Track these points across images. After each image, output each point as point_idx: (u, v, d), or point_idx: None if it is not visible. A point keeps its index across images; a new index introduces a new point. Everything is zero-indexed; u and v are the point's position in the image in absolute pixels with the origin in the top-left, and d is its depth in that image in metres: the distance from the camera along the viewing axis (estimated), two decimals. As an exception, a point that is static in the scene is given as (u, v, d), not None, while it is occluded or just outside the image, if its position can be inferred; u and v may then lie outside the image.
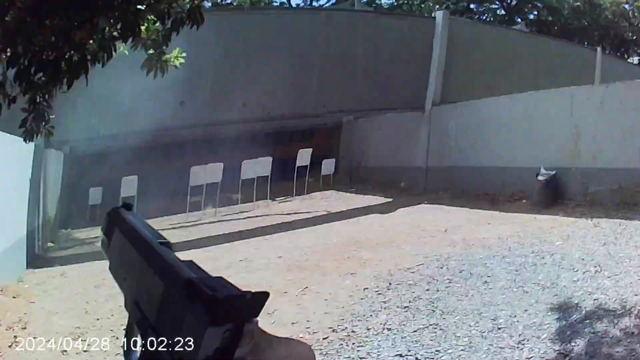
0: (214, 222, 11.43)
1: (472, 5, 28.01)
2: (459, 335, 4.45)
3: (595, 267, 5.45)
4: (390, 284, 5.71)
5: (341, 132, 17.04)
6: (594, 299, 4.93)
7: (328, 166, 15.09)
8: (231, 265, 7.04)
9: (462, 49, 12.06)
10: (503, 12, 27.86)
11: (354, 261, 6.73)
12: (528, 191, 9.34)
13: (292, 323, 4.88)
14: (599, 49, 17.83)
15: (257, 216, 11.59)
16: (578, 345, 4.23)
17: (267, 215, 11.62)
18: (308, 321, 4.89)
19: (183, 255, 0.54)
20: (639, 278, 5.17)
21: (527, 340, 4.43)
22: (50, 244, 9.49)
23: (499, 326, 4.62)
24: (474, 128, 11.14)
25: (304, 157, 14.06)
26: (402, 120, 13.36)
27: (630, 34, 29.08)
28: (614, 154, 8.29)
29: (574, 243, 6.30)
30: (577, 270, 5.48)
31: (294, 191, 13.99)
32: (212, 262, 7.01)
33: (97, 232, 10.66)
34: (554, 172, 9.00)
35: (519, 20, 25.85)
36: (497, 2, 27.83)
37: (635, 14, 28.77)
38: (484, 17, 28.00)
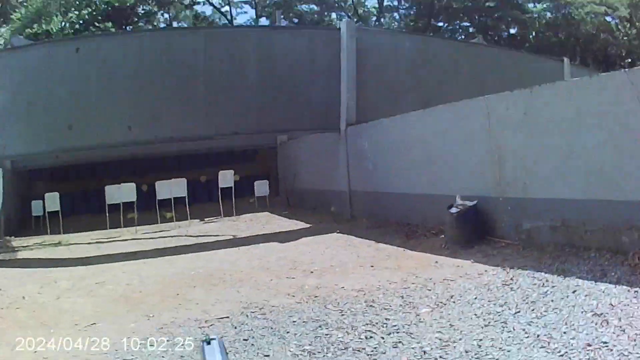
0: (127, 239, 11.30)
1: (440, 24, 26.89)
2: None
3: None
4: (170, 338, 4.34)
5: (277, 153, 16.14)
6: None
7: (261, 187, 14.79)
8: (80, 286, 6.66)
9: (379, 61, 10.64)
10: (473, 29, 26.67)
11: (173, 301, 5.56)
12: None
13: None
14: (566, 59, 16.29)
15: (170, 236, 11.08)
16: None
17: (180, 236, 11.09)
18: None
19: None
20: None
21: None
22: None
23: None
24: (388, 150, 9.61)
25: (226, 178, 13.63)
26: (322, 141, 11.96)
27: (614, 48, 27.50)
28: (550, 181, 6.22)
29: (445, 315, 4.40)
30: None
31: (221, 212, 13.62)
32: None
33: (36, 239, 11.99)
34: (473, 202, 7.25)
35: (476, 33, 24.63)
36: (468, 21, 26.65)
37: (619, 27, 27.27)
38: (457, 36, 26.82)
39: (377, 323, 4.24)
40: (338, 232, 9.21)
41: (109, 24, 21.26)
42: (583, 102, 5.72)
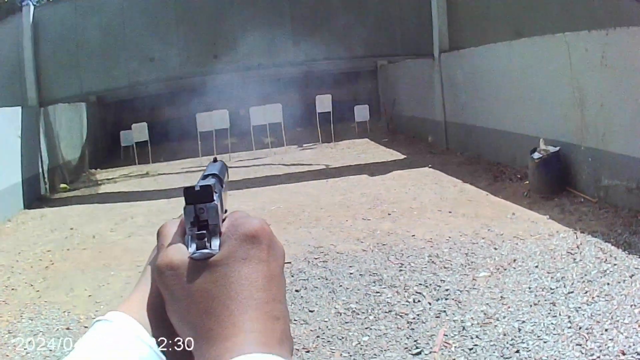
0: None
1: None
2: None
3: None
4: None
5: (377, 77, 16.07)
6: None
7: (361, 112, 14.41)
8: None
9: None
10: None
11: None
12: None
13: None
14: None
15: (261, 164, 11.63)
16: None
17: (271, 164, 11.55)
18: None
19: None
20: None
21: None
22: (62, 185, 10.33)
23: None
24: (477, 81, 9.55)
25: (323, 103, 13.60)
26: (418, 68, 11.92)
27: None
28: (627, 135, 6.00)
29: (501, 283, 4.51)
30: None
31: (319, 138, 13.83)
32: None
33: (123, 171, 12.17)
34: (556, 148, 7.28)
35: None
36: None
37: None
38: None
39: (430, 284, 4.73)
40: (429, 167, 9.53)
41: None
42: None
